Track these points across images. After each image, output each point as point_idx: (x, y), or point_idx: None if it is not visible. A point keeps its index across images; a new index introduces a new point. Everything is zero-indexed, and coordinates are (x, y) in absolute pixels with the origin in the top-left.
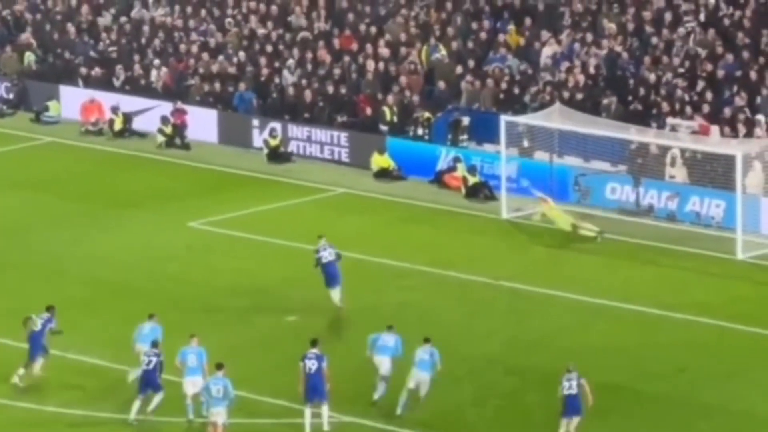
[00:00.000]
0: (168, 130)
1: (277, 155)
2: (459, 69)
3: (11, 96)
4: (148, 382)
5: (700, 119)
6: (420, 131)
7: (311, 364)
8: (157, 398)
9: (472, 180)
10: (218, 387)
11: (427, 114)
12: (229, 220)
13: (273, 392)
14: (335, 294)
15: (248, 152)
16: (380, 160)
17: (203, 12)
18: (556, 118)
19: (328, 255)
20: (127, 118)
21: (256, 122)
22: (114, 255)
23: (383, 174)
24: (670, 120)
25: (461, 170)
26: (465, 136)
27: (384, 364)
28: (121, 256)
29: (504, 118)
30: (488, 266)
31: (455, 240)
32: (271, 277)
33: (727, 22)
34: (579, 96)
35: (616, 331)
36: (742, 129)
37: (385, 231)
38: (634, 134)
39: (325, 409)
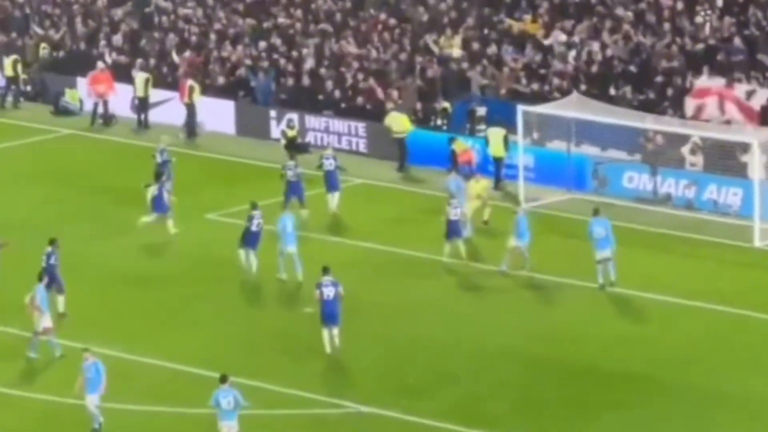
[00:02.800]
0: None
1: (294, 146)
2: (473, 58)
3: (29, 88)
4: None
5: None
6: (439, 121)
7: (328, 291)
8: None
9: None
10: (228, 399)
11: (445, 104)
12: (246, 212)
13: (290, 383)
14: (332, 199)
15: (266, 143)
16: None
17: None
18: (572, 108)
19: (329, 164)
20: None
21: (273, 113)
22: (131, 247)
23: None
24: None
25: (460, 145)
26: (482, 126)
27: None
28: (138, 248)
29: (521, 108)
30: (502, 257)
31: (473, 230)
32: (291, 269)
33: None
34: (594, 85)
35: (634, 320)
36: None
37: (403, 221)
38: (651, 123)
39: (336, 332)
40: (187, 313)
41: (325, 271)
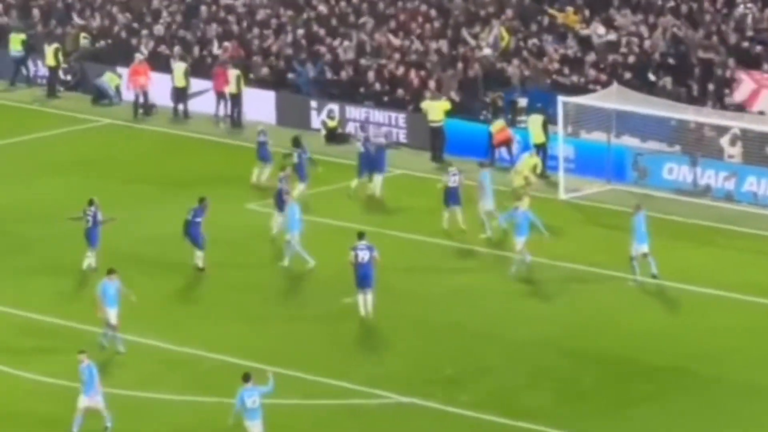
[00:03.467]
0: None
1: (334, 136)
2: (512, 51)
3: (69, 78)
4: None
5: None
6: (490, 114)
7: (363, 255)
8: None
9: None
10: (253, 398)
11: (496, 95)
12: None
13: (329, 373)
14: (376, 182)
15: (306, 133)
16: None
17: None
18: (613, 99)
19: (379, 140)
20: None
21: (314, 104)
22: (171, 237)
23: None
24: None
25: (496, 125)
26: (523, 117)
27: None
28: (177, 237)
29: (561, 99)
30: (545, 247)
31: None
32: (328, 258)
33: None
34: (634, 76)
35: (673, 312)
36: None
37: (440, 211)
38: (692, 114)
39: (370, 297)
40: (228, 302)
41: (360, 236)
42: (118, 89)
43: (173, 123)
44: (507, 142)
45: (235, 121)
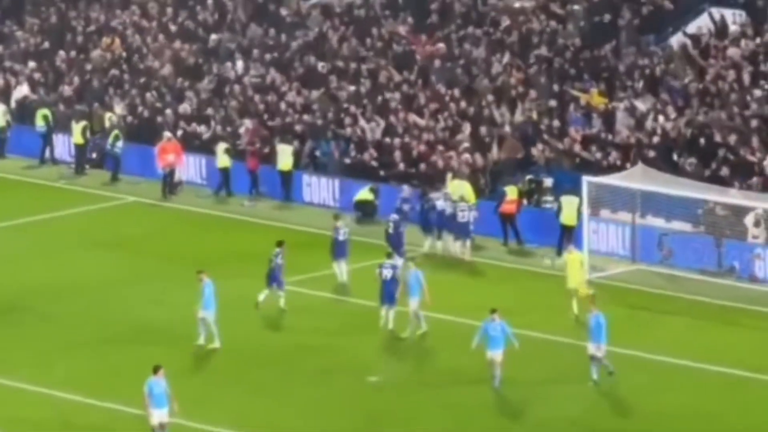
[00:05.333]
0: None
1: (365, 210)
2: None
3: (94, 155)
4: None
5: None
6: (546, 197)
7: (387, 273)
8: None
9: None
10: None
11: (548, 180)
12: (311, 280)
13: None
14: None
15: (330, 212)
16: None
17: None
18: (637, 179)
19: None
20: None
21: (337, 182)
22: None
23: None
24: None
25: (513, 191)
26: (548, 197)
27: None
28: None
29: (586, 179)
30: (571, 327)
31: (537, 300)
32: (353, 336)
33: None
34: (658, 156)
35: (700, 393)
36: None
37: (462, 290)
38: (716, 195)
39: (392, 313)
40: (250, 378)
41: (389, 255)
42: (121, 119)
43: (199, 201)
44: (510, 216)
45: (287, 197)
